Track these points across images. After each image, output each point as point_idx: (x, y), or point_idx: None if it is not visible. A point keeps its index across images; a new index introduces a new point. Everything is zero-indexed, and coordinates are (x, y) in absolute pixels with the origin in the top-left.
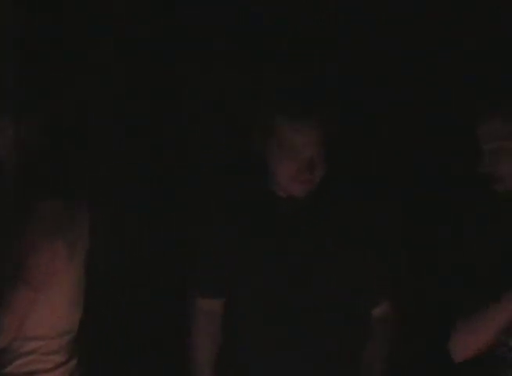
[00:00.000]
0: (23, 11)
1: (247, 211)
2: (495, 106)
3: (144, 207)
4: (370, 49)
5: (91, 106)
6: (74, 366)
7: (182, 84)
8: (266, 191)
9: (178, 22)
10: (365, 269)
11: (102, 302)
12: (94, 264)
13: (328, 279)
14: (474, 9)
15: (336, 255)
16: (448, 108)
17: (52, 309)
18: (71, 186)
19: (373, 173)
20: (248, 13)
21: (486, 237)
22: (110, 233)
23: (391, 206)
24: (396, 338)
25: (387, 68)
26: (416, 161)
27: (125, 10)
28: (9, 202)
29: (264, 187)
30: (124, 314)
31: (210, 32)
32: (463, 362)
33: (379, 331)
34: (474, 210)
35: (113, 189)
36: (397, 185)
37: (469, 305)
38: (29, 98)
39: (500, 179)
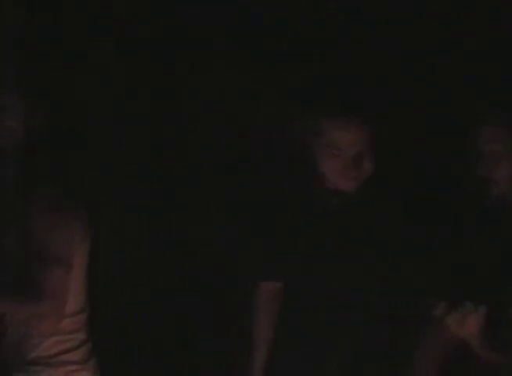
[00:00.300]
0: (23, 11)
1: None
2: (494, 107)
3: (144, 207)
4: (370, 49)
5: (91, 106)
6: (92, 347)
7: (182, 84)
8: (307, 187)
9: (178, 22)
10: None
11: (102, 302)
12: (95, 264)
13: (362, 276)
14: (474, 9)
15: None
16: (448, 108)
17: (72, 286)
18: (71, 186)
19: (373, 173)
20: (248, 13)
21: (486, 237)
22: (110, 233)
23: (392, 206)
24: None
25: (387, 68)
26: (416, 161)
27: (125, 10)
28: (8, 202)
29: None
30: (124, 314)
31: (210, 32)
32: None
33: (432, 332)
34: (474, 210)
35: (113, 189)
36: (397, 185)
37: None
38: (29, 98)
39: (496, 183)
